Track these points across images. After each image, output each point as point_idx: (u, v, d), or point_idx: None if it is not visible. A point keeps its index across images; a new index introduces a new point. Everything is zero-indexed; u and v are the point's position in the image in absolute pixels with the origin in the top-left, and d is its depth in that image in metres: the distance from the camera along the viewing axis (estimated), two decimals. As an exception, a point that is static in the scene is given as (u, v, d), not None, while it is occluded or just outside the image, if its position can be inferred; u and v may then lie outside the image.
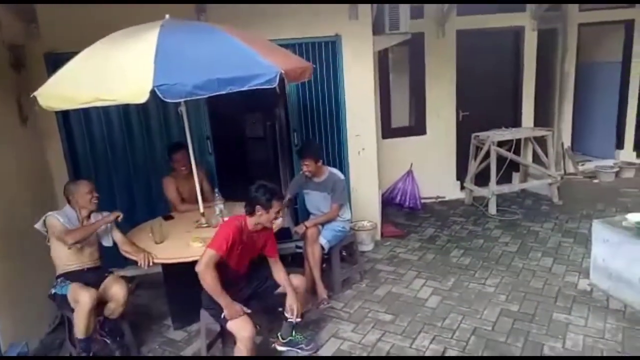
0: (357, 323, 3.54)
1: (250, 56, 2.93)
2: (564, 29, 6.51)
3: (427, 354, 3.14)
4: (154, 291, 4.07)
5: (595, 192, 6.12)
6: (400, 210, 5.94)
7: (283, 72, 2.83)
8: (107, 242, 3.31)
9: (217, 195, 3.71)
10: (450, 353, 3.12)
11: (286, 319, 3.08)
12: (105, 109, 4.17)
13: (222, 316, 2.77)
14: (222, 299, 2.71)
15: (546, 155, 5.88)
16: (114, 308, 3.13)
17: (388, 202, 5.94)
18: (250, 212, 2.86)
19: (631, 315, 3.41)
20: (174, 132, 4.39)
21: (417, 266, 4.42)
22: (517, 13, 6.10)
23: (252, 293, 3.05)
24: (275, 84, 2.81)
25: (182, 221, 3.75)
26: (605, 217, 4.21)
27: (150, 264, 3.13)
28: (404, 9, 4.89)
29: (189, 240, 3.25)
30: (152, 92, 2.47)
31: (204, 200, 3.64)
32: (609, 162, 6.93)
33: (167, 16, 3.11)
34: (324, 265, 3.94)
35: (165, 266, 3.49)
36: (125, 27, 3.00)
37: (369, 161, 4.94)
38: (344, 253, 4.30)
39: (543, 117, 6.63)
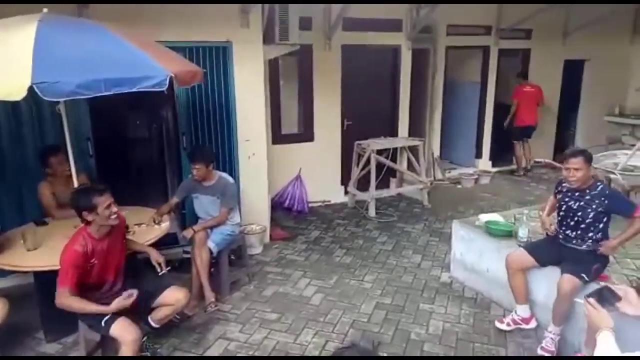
0: (244, 324, 3.66)
1: (138, 57, 2.92)
2: (434, 50, 7.30)
3: (310, 348, 3.37)
4: (22, 303, 3.74)
5: (458, 196, 6.95)
6: (289, 213, 6.16)
7: (173, 75, 2.86)
8: None
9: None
10: (331, 345, 3.39)
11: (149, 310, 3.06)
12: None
13: (103, 324, 2.72)
14: (97, 309, 2.68)
15: (418, 162, 6.54)
16: None
17: (277, 206, 6.13)
18: (85, 222, 2.77)
19: (481, 301, 4.00)
20: (50, 132, 4.10)
21: (303, 266, 4.66)
22: (394, 33, 6.70)
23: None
24: (165, 87, 2.83)
25: (59, 227, 3.52)
26: (464, 217, 4.87)
27: None
28: (293, 20, 5.14)
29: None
30: (30, 90, 2.36)
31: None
32: (470, 170, 7.91)
33: (45, 10, 2.96)
34: (212, 269, 3.99)
35: (37, 275, 3.28)
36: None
37: (259, 166, 5.08)
38: (232, 257, 4.38)
39: (416, 128, 7.34)
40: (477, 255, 4.12)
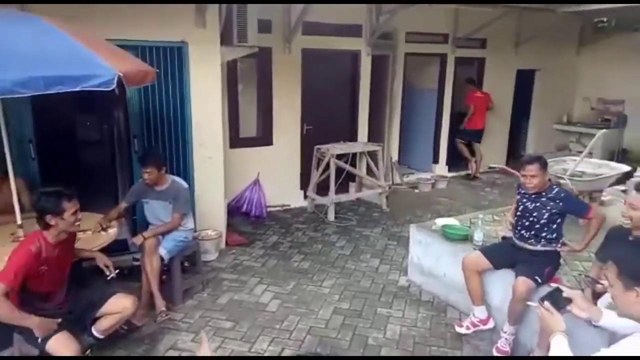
0: (196, 333, 3.52)
1: (84, 55, 2.78)
2: (393, 56, 7.38)
3: (266, 355, 3.28)
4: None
5: (416, 201, 7.03)
6: (247, 218, 6.03)
7: (122, 74, 2.73)
8: None
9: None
10: (287, 352, 3.31)
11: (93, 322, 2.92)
12: None
13: (39, 339, 2.55)
14: (26, 321, 2.50)
15: (377, 167, 6.58)
16: None
17: (235, 210, 5.99)
18: (45, 226, 2.63)
19: (438, 304, 4.03)
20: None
21: (259, 273, 4.56)
22: (354, 38, 6.72)
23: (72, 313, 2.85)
24: (112, 87, 2.70)
25: (-6, 235, 3.30)
26: (421, 221, 4.91)
27: None
28: (252, 22, 5.05)
29: (3, 255, 2.88)
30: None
31: (23, 211, 3.26)
32: (427, 175, 8.02)
33: (-21, 1, 2.76)
34: (164, 277, 3.83)
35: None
36: None
37: (215, 170, 4.95)
38: (186, 263, 4.23)
39: (376, 133, 7.39)
40: (434, 259, 4.16)
